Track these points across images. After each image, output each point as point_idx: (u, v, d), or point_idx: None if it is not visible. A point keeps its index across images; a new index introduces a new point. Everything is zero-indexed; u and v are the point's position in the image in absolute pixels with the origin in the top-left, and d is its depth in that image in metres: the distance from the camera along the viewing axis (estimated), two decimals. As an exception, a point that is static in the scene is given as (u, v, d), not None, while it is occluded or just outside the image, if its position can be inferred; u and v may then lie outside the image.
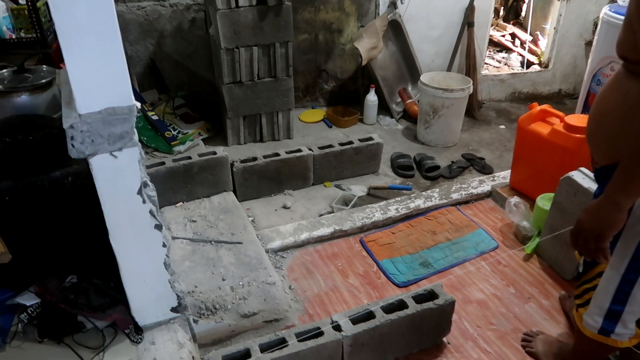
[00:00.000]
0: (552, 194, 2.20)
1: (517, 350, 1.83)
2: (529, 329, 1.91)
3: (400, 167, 2.96)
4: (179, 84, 3.34)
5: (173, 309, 1.69)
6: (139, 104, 3.03)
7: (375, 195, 2.72)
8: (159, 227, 1.54)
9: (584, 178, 1.98)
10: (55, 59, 2.31)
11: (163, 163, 2.39)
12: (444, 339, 1.85)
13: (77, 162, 1.61)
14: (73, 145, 1.32)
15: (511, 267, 2.22)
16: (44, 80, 1.84)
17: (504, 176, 2.82)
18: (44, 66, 2.01)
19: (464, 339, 1.88)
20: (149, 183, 1.52)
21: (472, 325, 1.93)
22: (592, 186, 1.93)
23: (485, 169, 2.99)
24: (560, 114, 2.41)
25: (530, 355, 1.80)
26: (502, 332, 1.90)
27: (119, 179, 1.41)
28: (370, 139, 2.88)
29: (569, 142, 2.27)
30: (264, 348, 1.55)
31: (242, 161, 2.58)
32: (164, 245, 1.57)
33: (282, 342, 1.57)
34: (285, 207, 2.59)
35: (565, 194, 2.06)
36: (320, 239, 2.35)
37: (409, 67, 3.78)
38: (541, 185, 2.39)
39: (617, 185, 1.14)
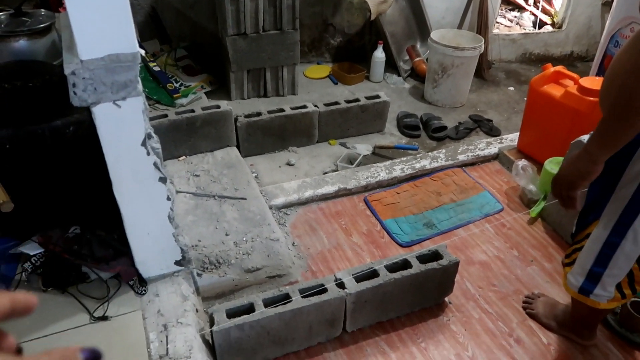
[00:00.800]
0: (561, 158, 2.17)
1: (518, 311, 1.84)
2: (531, 291, 1.92)
3: (407, 126, 2.91)
4: (180, 35, 3.23)
5: (177, 262, 1.69)
6: (142, 51, 2.94)
7: (380, 154, 2.69)
8: (163, 179, 1.51)
9: (595, 142, 1.94)
10: (53, 2, 2.22)
11: (166, 116, 2.34)
12: (446, 299, 1.86)
13: (79, 111, 1.57)
14: (75, 93, 1.28)
15: (515, 230, 2.22)
16: (42, 25, 1.77)
17: (511, 139, 2.78)
18: (42, 10, 1.93)
19: (466, 299, 1.89)
20: (153, 135, 1.48)
21: (474, 286, 1.94)
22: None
23: (492, 131, 2.94)
24: (575, 75, 2.35)
25: (531, 316, 1.82)
26: (503, 294, 1.91)
27: (123, 129, 1.37)
28: (377, 97, 2.82)
29: (582, 105, 2.21)
30: (268, 303, 1.55)
31: (246, 116, 2.53)
32: (169, 199, 1.55)
33: (285, 298, 1.58)
34: (289, 164, 2.56)
35: (575, 158, 2.02)
36: (324, 197, 2.34)
37: (419, 24, 3.66)
38: (550, 148, 2.35)
39: (594, 137, 1.14)
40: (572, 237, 1.51)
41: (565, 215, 2.12)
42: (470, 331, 1.76)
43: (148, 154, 1.44)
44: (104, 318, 1.52)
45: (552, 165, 2.25)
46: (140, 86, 1.36)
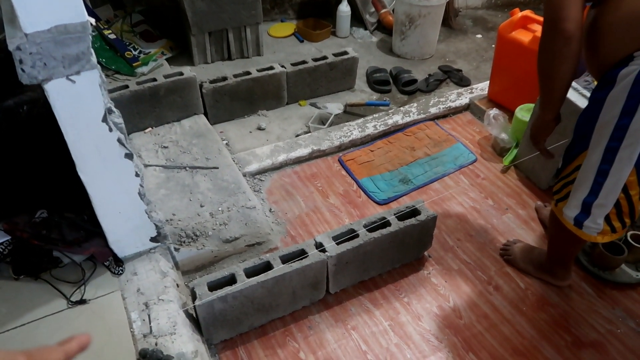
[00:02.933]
0: (532, 105, 2.17)
1: (496, 259, 1.89)
2: (507, 238, 1.96)
3: (377, 82, 2.86)
4: (135, -2, 3.05)
5: (152, 239, 1.65)
6: (93, 20, 2.77)
7: (352, 112, 2.65)
8: (129, 155, 1.44)
9: (565, 87, 1.94)
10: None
11: (127, 86, 2.23)
12: (426, 253, 1.89)
13: (32, 89, 1.48)
14: (23, 70, 1.18)
15: (489, 179, 2.24)
16: (-21, -4, 1.63)
17: (481, 88, 2.77)
18: (-22, -21, 1.77)
19: (444, 251, 1.92)
20: (114, 109, 1.40)
21: (452, 238, 1.97)
22: (572, 95, 1.91)
23: (462, 81, 2.92)
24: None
25: (508, 263, 1.86)
26: (481, 243, 1.95)
27: (80, 106, 1.29)
28: (345, 53, 2.74)
29: (550, 50, 2.20)
30: (249, 272, 1.54)
31: (212, 81, 2.43)
32: (137, 175, 1.49)
33: (267, 266, 1.57)
34: (260, 128, 2.50)
35: (545, 105, 2.02)
36: (298, 160, 2.30)
37: (383, -27, 3.55)
38: (520, 96, 2.35)
39: (538, 102, 1.41)
40: (559, 172, 1.53)
41: (537, 162, 2.15)
42: (451, 282, 1.80)
43: (110, 130, 1.37)
44: (82, 302, 1.48)
45: (523, 112, 2.26)
46: (94, 58, 1.27)
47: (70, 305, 1.48)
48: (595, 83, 1.54)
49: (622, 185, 1.35)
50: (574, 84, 1.92)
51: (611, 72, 1.24)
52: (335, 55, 2.71)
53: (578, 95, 1.91)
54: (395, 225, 1.70)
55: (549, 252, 1.75)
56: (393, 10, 3.33)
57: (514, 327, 1.66)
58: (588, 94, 1.93)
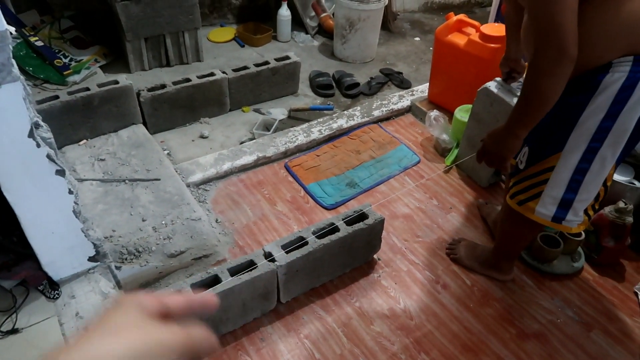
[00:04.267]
0: (469, 106, 2.24)
1: (442, 258, 1.93)
2: (452, 237, 2.01)
3: (320, 86, 2.87)
4: (63, 3, 2.89)
5: (91, 258, 1.56)
6: (12, 29, 2.60)
7: (296, 117, 2.63)
8: (61, 172, 1.36)
9: (499, 88, 2.02)
10: None
11: (57, 97, 2.10)
12: (375, 256, 1.90)
13: (-54, 104, 1.36)
14: None
15: (433, 179, 2.29)
16: None
17: (422, 90, 2.84)
18: None
19: (393, 253, 1.94)
20: (42, 123, 1.31)
21: (400, 239, 2.00)
22: (507, 96, 1.98)
23: (403, 84, 2.98)
24: (476, 23, 2.41)
25: (454, 261, 1.91)
26: (427, 243, 1.99)
27: (2, 121, 1.20)
28: (287, 57, 2.73)
29: (484, 52, 2.28)
30: (197, 287, 1.49)
31: (150, 89, 2.34)
32: (71, 192, 1.41)
33: (215, 279, 1.52)
34: (202, 136, 2.43)
35: (482, 105, 2.10)
36: (244, 168, 2.26)
37: (322, -22, 3.56)
38: (459, 97, 2.43)
39: (519, 121, 1.31)
40: (516, 172, 1.55)
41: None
42: (400, 284, 1.82)
43: (38, 145, 1.28)
44: (13, 331, 1.38)
45: (462, 113, 2.33)
46: (16, 69, 1.18)
47: (0, 336, 1.36)
48: None
49: (602, 181, 1.41)
50: (508, 85, 1.99)
51: (588, 78, 1.26)
52: (277, 60, 2.69)
53: (512, 98, 1.98)
54: (344, 230, 1.70)
55: (497, 247, 1.81)
56: (333, 14, 3.35)
57: (462, 323, 1.70)
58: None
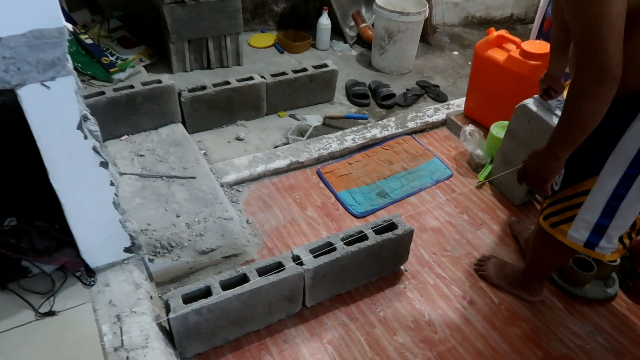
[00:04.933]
0: (506, 122, 2.22)
1: (470, 274, 1.91)
2: (481, 253, 1.99)
3: (356, 95, 2.89)
4: (113, 3, 3.01)
5: (126, 249, 1.61)
6: (70, 26, 2.72)
7: (331, 125, 2.66)
8: (104, 164, 1.41)
9: (538, 106, 2.00)
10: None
11: (103, 93, 2.19)
12: (402, 267, 1.90)
13: (4, 93, 1.43)
14: (-4, 75, 1.15)
15: (465, 194, 2.28)
16: (-48, -3, 1.58)
17: (458, 104, 2.82)
18: (-50, -21, 1.72)
19: (420, 265, 1.93)
20: (90, 116, 1.37)
21: (428, 252, 1.99)
22: (545, 114, 1.96)
23: (439, 97, 2.97)
24: (517, 40, 2.39)
25: (482, 278, 1.89)
26: (456, 258, 1.97)
27: (55, 112, 1.26)
28: (325, 65, 2.76)
29: (524, 69, 2.26)
30: (225, 285, 1.52)
31: (190, 90, 2.41)
32: (112, 184, 1.46)
33: (243, 278, 1.55)
34: (238, 138, 2.48)
35: (519, 122, 2.08)
36: (277, 171, 2.29)
37: (363, -12, 3.60)
38: (495, 113, 2.41)
39: (560, 143, 1.28)
40: (553, 194, 1.52)
41: (511, 178, 2.19)
42: (426, 297, 1.81)
43: (85, 137, 1.34)
44: (50, 313, 1.43)
45: (498, 129, 2.31)
46: (70, 64, 1.24)
47: (38, 317, 1.43)
48: None
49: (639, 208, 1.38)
50: (547, 103, 1.97)
51: (629, 101, 1.24)
52: (315, 67, 2.73)
53: (551, 116, 1.95)
54: (373, 239, 1.70)
55: (527, 268, 1.78)
56: (372, 25, 3.38)
57: (487, 341, 1.68)
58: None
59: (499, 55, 2.39)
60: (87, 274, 1.55)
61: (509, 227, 2.12)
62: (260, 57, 3.22)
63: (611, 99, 1.15)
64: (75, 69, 2.67)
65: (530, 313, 1.78)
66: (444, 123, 2.73)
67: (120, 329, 1.41)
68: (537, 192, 1.43)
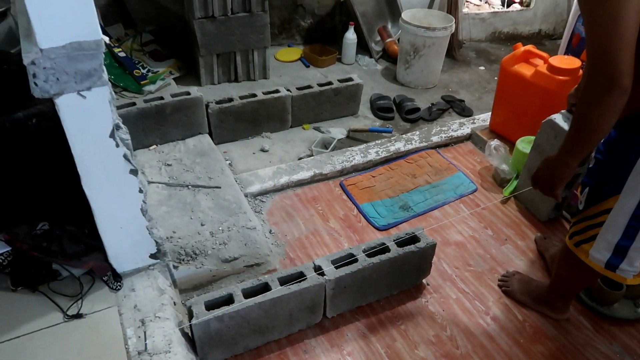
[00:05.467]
0: (532, 137, 2.20)
1: (494, 289, 1.88)
2: (505, 269, 1.96)
3: (380, 109, 2.90)
4: (145, 18, 3.12)
5: (152, 255, 1.65)
6: (107, 38, 2.83)
7: (354, 137, 2.68)
8: (134, 172, 1.46)
9: (566, 121, 1.97)
10: (8, -13, 2.10)
11: (134, 104, 2.26)
12: (424, 281, 1.88)
13: (42, 102, 1.51)
14: (36, 84, 1.21)
15: (489, 209, 2.25)
16: (-3, 11, 1.68)
17: (483, 119, 2.81)
18: (-4, -5, 1.82)
19: (443, 279, 1.91)
20: (122, 125, 1.42)
21: (451, 267, 1.97)
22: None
23: (465, 112, 2.97)
24: (544, 55, 2.37)
25: (506, 294, 1.86)
26: (479, 273, 1.95)
27: (89, 121, 1.32)
28: (350, 79, 2.79)
29: (552, 84, 2.24)
30: (247, 293, 1.54)
31: (218, 102, 2.47)
32: (141, 191, 1.50)
33: (265, 287, 1.57)
34: (263, 150, 2.52)
35: (546, 137, 2.05)
36: (300, 183, 2.32)
37: (389, 4, 3.63)
38: (521, 128, 2.39)
39: (569, 149, 1.28)
40: (577, 212, 1.51)
41: (537, 194, 2.15)
42: (448, 311, 1.79)
43: (117, 145, 1.39)
44: (78, 316, 1.47)
45: (524, 144, 2.28)
46: (105, 75, 1.30)
47: (66, 319, 1.47)
48: None
49: None
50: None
51: None
52: (340, 81, 2.76)
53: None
54: (395, 251, 1.70)
55: (553, 286, 1.74)
56: (398, 40, 3.40)
57: (510, 359, 1.65)
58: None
59: (526, 70, 2.37)
60: (114, 279, 1.59)
61: (534, 243, 2.08)
62: (287, 71, 3.28)
63: (620, 109, 1.14)
64: (108, 80, 2.76)
65: (556, 331, 1.74)
66: (469, 137, 2.72)
67: (144, 333, 1.44)
68: (560, 205, 1.41)
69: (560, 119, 1.99)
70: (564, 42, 2.87)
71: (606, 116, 1.15)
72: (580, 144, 1.25)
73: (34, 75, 1.20)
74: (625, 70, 1.09)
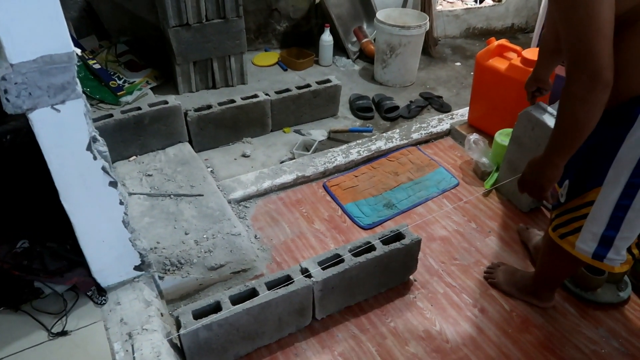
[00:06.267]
0: (510, 129, 2.23)
1: (480, 282, 1.90)
2: (490, 261, 1.98)
3: (360, 109, 2.92)
4: (120, 29, 3.09)
5: (136, 267, 1.63)
6: (79, 51, 2.79)
7: (335, 138, 2.68)
8: (114, 184, 1.44)
9: (542, 112, 2.01)
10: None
11: (111, 115, 2.24)
12: (411, 277, 1.90)
13: (15, 118, 1.48)
14: (8, 100, 1.19)
15: (472, 203, 2.28)
16: (-36, 28, 1.64)
17: (462, 114, 2.84)
18: (-37, 11, 1.79)
19: (430, 275, 1.93)
20: (99, 137, 1.41)
21: (437, 262, 1.98)
22: (549, 120, 1.96)
23: (443, 107, 2.99)
24: (518, 48, 2.41)
25: (492, 285, 1.88)
26: (465, 266, 1.97)
27: (65, 134, 1.30)
28: (328, 81, 2.80)
29: (526, 77, 2.25)
30: (235, 300, 1.53)
31: (196, 110, 2.45)
32: (121, 203, 1.49)
33: (252, 293, 1.56)
34: (244, 155, 2.52)
35: (523, 129, 2.08)
36: (283, 186, 2.32)
37: (364, 4, 3.66)
38: (499, 121, 2.42)
39: (556, 150, 1.28)
40: (558, 205, 1.52)
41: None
42: (437, 306, 1.80)
43: (95, 158, 1.37)
44: (63, 333, 1.45)
45: (502, 137, 2.31)
46: (79, 88, 1.28)
47: (51, 337, 1.44)
48: None
49: None
50: (550, 108, 1.98)
51: (625, 110, 1.23)
52: (318, 83, 2.77)
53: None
54: (380, 249, 1.71)
55: (538, 276, 1.77)
56: (374, 40, 3.42)
57: (499, 349, 1.66)
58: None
59: (500, 64, 2.41)
60: (99, 293, 1.56)
61: (517, 234, 2.11)
62: (265, 76, 3.27)
63: (604, 103, 1.14)
64: (84, 93, 2.73)
65: (542, 319, 1.77)
66: (448, 133, 2.74)
67: (132, 346, 1.42)
68: (539, 200, 1.42)
69: (536, 111, 2.02)
70: (535, 35, 2.92)
71: (592, 112, 1.15)
72: (567, 143, 1.25)
73: (5, 91, 1.18)
74: (606, 65, 1.10)
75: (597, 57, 1.09)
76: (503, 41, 2.46)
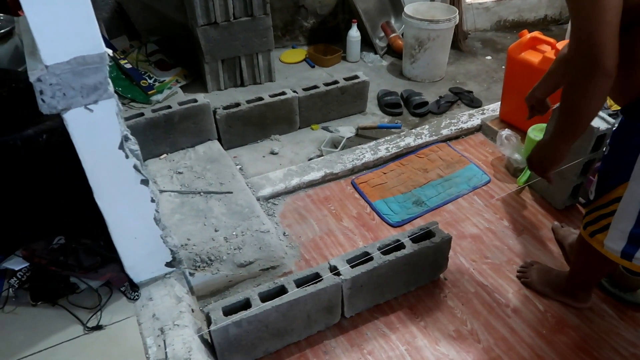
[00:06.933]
0: (544, 125, 2.17)
1: (513, 281, 1.86)
2: (523, 260, 1.93)
3: (388, 105, 2.89)
4: (149, 29, 3.14)
5: (168, 264, 1.65)
6: (110, 51, 2.85)
7: (364, 135, 2.66)
8: (145, 182, 1.47)
9: (577, 106, 1.94)
10: (12, 5, 2.12)
11: (142, 114, 2.28)
12: (441, 275, 1.87)
13: (51, 118, 1.52)
14: (43, 100, 1.22)
15: (504, 200, 2.23)
16: (2, 30, 1.70)
17: (493, 109, 2.78)
18: (1, 14, 1.85)
19: (460, 273, 1.89)
20: (130, 136, 1.43)
21: (468, 260, 1.95)
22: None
23: (473, 103, 2.94)
24: (551, 40, 2.34)
25: (526, 285, 1.83)
26: (497, 265, 1.92)
27: (98, 134, 1.32)
28: (356, 77, 2.78)
29: (561, 70, 2.20)
30: (264, 296, 1.53)
31: (225, 107, 2.47)
32: (153, 200, 1.51)
33: (281, 290, 1.56)
34: (272, 152, 2.52)
35: (558, 124, 2.02)
36: (311, 184, 2.31)
37: (391, -1, 3.62)
38: (532, 116, 2.35)
39: (559, 133, 1.31)
40: (589, 202, 1.48)
41: (552, 181, 2.13)
42: (468, 305, 1.77)
43: (127, 157, 1.40)
44: (98, 327, 1.49)
45: (536, 132, 2.25)
46: (111, 88, 1.30)
47: (86, 331, 1.48)
48: (613, 107, 1.49)
49: None
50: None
51: None
52: (346, 79, 2.75)
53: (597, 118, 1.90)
54: (410, 247, 1.69)
55: (572, 276, 1.72)
56: (402, 35, 3.38)
57: (533, 350, 1.62)
58: (606, 116, 1.92)
59: (533, 57, 2.34)
60: (132, 289, 1.60)
61: (552, 232, 2.05)
62: (292, 73, 3.28)
63: (605, 92, 1.13)
64: (116, 92, 2.79)
65: (578, 320, 1.71)
66: (479, 129, 2.69)
67: (164, 341, 1.45)
68: (576, 192, 1.42)
69: (571, 105, 1.95)
70: (569, 27, 2.83)
71: (591, 100, 1.16)
72: (568, 128, 1.27)
73: (41, 92, 1.21)
74: (608, 53, 1.08)
75: (599, 44, 1.07)
76: (536, 33, 2.39)
